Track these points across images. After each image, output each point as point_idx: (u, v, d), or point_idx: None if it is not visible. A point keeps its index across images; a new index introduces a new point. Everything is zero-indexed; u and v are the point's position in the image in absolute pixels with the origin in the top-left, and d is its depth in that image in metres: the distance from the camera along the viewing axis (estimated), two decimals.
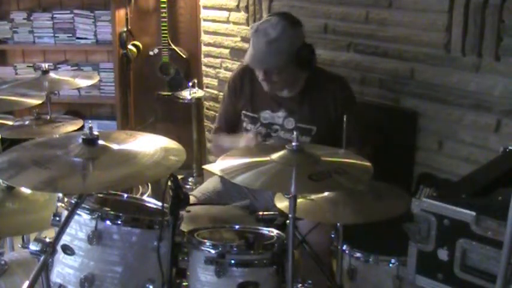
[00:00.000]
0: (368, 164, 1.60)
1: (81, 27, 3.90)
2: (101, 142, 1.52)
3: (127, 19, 3.88)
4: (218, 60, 3.61)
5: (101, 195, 1.72)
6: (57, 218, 1.60)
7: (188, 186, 3.79)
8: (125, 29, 3.86)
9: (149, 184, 2.37)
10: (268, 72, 2.23)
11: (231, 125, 2.46)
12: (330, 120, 2.30)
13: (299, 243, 1.71)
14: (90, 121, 1.64)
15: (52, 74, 2.55)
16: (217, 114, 2.64)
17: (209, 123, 3.77)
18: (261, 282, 1.55)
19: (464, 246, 1.41)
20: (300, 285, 1.61)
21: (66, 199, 1.57)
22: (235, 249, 1.56)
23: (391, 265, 1.82)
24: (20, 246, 2.32)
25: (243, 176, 1.49)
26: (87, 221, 1.53)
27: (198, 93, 3.59)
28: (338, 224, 1.82)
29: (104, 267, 1.54)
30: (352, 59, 2.76)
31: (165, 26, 3.81)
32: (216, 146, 2.60)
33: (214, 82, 3.69)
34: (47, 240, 1.41)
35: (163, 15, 3.79)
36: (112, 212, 1.56)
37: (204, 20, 3.66)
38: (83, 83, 2.64)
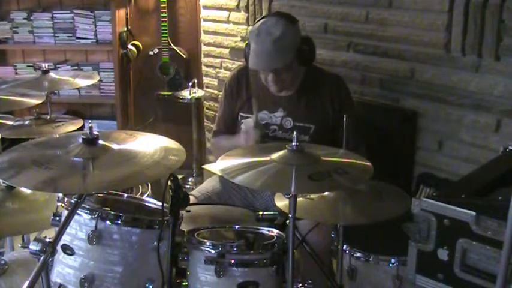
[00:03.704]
0: (368, 164, 1.60)
1: (81, 27, 3.91)
2: (101, 142, 1.52)
3: (127, 19, 3.89)
4: (218, 60, 3.61)
5: (101, 195, 1.72)
6: (57, 218, 1.60)
7: (188, 186, 3.80)
8: (125, 29, 3.87)
9: (149, 184, 2.37)
10: (278, 72, 2.22)
11: (229, 128, 2.45)
12: (328, 119, 2.30)
13: (299, 243, 1.71)
14: (90, 121, 1.63)
15: (52, 74, 2.55)
16: (216, 117, 2.64)
17: (209, 123, 3.77)
18: (261, 282, 1.55)
19: (464, 246, 1.41)
20: (300, 285, 1.61)
21: (66, 199, 1.57)
22: (235, 249, 1.56)
23: (391, 265, 1.82)
24: (20, 246, 2.33)
25: (243, 176, 1.48)
26: (87, 221, 1.53)
27: (198, 93, 3.59)
28: (338, 224, 1.82)
29: (104, 267, 1.54)
30: (352, 59, 2.76)
31: (165, 26, 3.81)
32: (216, 148, 2.59)
33: (214, 82, 3.69)
34: (47, 240, 1.40)
35: (163, 15, 3.79)
36: (112, 212, 1.56)
37: (204, 20, 3.66)
38: (83, 83, 2.64)
